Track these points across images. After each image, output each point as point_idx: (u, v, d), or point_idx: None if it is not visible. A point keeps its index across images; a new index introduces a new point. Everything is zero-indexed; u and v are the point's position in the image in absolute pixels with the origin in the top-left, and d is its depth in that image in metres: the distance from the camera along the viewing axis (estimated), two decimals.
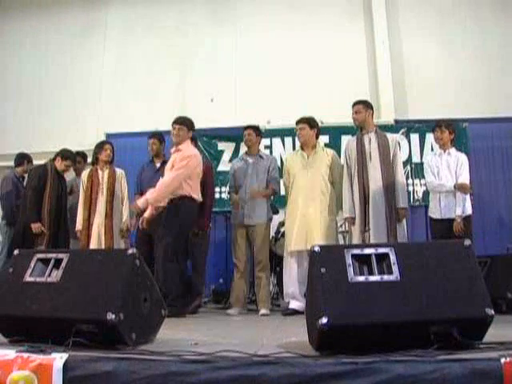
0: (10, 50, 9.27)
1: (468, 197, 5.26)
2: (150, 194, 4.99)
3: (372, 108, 5.32)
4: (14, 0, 9.46)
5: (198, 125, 7.68)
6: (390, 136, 5.30)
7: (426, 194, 6.84)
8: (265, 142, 7.32)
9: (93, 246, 5.56)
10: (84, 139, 7.82)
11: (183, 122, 5.30)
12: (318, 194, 5.22)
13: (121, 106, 8.50)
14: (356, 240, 5.08)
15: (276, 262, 6.24)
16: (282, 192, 5.79)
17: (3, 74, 9.19)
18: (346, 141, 5.65)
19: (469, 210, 5.24)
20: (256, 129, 5.85)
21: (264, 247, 5.49)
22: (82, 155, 6.58)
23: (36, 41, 9.14)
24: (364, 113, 5.23)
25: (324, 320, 2.22)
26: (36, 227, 5.62)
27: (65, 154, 5.94)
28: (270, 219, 5.65)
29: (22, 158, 6.86)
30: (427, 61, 7.81)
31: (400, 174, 5.13)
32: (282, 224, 6.14)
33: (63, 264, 2.73)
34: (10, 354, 2.25)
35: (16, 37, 9.28)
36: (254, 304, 5.76)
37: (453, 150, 5.45)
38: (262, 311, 5.24)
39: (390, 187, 4.98)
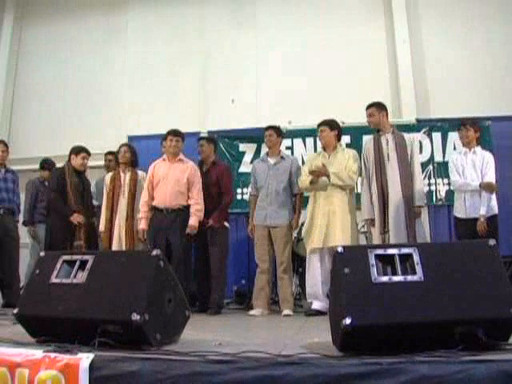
0: (32, 57, 9.39)
1: (494, 196, 5.20)
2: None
3: (385, 109, 5.30)
4: (35, 7, 9.59)
5: (219, 126, 7.83)
6: (407, 135, 5.26)
7: (450, 193, 6.77)
8: (286, 142, 7.30)
9: (114, 247, 5.63)
10: (106, 142, 7.87)
11: (180, 134, 5.69)
12: (338, 191, 5.21)
13: (142, 109, 8.53)
14: (376, 241, 5.06)
15: (298, 263, 6.23)
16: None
17: (25, 79, 9.31)
18: (364, 141, 5.62)
19: (495, 210, 5.18)
20: (277, 129, 5.85)
21: (286, 248, 5.48)
22: (114, 154, 6.65)
23: (57, 47, 9.23)
24: (377, 115, 5.21)
25: (348, 320, 2.22)
26: (75, 217, 5.73)
27: (75, 149, 6.02)
28: (292, 220, 5.64)
29: (44, 163, 7.08)
30: (449, 59, 7.72)
31: (417, 172, 5.10)
32: (303, 225, 6.12)
33: (88, 265, 2.78)
34: (37, 353, 2.30)
35: (37, 43, 9.40)
36: (276, 305, 5.76)
37: (478, 149, 5.39)
38: (285, 312, 5.24)
39: (408, 187, 4.95)
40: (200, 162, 5.96)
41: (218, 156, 6.53)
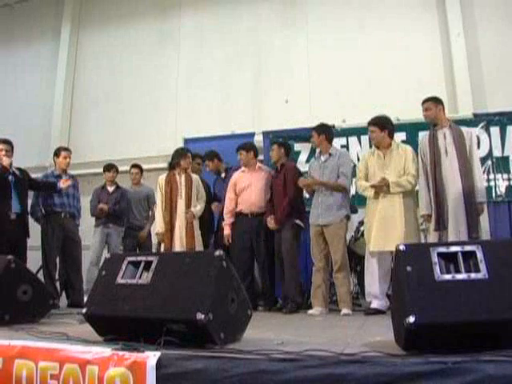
0: (89, 63, 9.65)
1: None
2: None
3: (442, 103, 5.18)
4: (91, 15, 9.86)
5: (273, 126, 7.85)
6: (465, 129, 5.12)
7: (510, 189, 6.61)
8: (341, 141, 7.30)
9: (177, 248, 5.72)
10: (163, 145, 8.04)
11: (245, 147, 6.24)
12: (396, 194, 5.09)
13: (197, 111, 8.65)
14: (432, 237, 4.98)
15: (356, 262, 6.20)
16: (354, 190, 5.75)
17: (84, 85, 9.58)
18: (421, 138, 5.48)
19: None
20: (317, 129, 5.81)
21: (339, 247, 5.41)
22: (200, 156, 6.89)
23: (113, 52, 9.47)
24: (434, 109, 5.09)
25: (411, 319, 2.21)
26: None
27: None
28: (348, 218, 5.58)
29: (105, 167, 7.35)
30: (505, 50, 7.50)
31: (477, 167, 4.95)
32: (361, 223, 6.07)
33: (153, 266, 2.85)
34: (106, 351, 2.38)
35: (94, 49, 9.67)
36: (335, 304, 5.74)
37: None
38: (344, 311, 5.21)
39: (469, 182, 4.82)
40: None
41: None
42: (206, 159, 6.69)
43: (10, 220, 5.58)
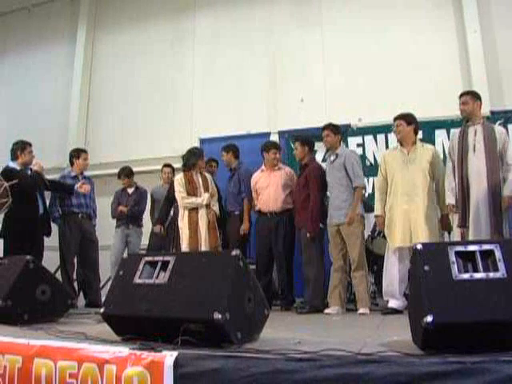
0: (104, 64, 9.73)
1: None
2: None
3: (480, 99, 5.05)
4: (107, 18, 9.93)
5: (289, 126, 7.85)
6: (498, 128, 5.03)
7: None
8: (357, 140, 7.29)
9: (202, 248, 5.68)
10: (178, 145, 8.03)
11: (279, 147, 6.46)
12: (419, 190, 5.07)
13: (212, 111, 8.66)
14: (455, 234, 4.93)
15: (373, 261, 6.17)
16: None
17: (100, 85, 9.65)
18: (452, 133, 5.37)
19: None
20: (334, 128, 5.81)
21: (355, 245, 5.41)
22: (215, 160, 7.05)
23: (128, 54, 9.53)
24: (472, 104, 4.96)
25: (429, 318, 2.19)
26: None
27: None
28: (362, 216, 5.57)
29: (118, 175, 7.51)
30: None
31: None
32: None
33: (170, 266, 2.86)
34: (124, 351, 2.38)
35: (109, 51, 9.73)
36: (352, 303, 5.72)
37: None
38: (361, 310, 5.20)
39: (495, 181, 4.69)
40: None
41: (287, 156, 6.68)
42: (223, 150, 6.70)
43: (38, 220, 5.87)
